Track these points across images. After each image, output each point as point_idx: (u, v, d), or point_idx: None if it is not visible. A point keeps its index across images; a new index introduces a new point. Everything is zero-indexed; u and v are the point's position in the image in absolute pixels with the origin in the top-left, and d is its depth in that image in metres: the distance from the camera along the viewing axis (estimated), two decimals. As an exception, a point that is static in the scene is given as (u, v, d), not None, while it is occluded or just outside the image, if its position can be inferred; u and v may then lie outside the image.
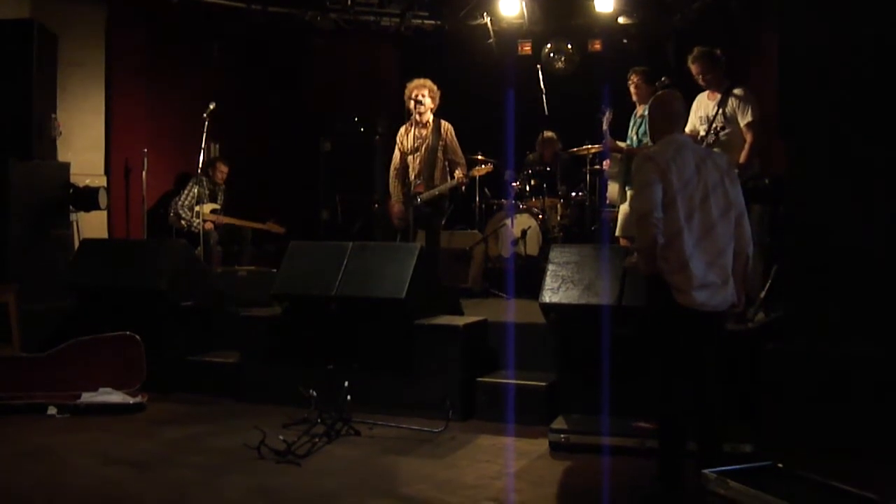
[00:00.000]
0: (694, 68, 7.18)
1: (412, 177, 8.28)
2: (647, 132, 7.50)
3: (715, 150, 6.75)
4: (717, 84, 7.13)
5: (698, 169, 4.71)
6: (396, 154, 8.49)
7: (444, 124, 8.32)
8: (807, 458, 4.87)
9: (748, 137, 6.92)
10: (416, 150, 8.30)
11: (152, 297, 7.45)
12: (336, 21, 11.47)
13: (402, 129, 8.46)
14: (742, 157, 6.87)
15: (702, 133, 7.03)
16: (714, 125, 6.99)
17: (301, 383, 6.33)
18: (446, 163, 8.35)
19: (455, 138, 8.36)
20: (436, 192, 8.24)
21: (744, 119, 6.93)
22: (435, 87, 8.29)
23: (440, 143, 8.27)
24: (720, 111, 7.00)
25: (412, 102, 8.23)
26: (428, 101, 8.25)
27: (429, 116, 8.30)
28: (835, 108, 5.85)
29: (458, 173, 8.28)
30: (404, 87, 8.44)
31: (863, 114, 5.78)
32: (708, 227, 4.68)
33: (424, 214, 8.27)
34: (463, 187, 8.61)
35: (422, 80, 8.30)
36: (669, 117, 4.94)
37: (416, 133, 8.32)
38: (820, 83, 5.91)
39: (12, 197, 7.99)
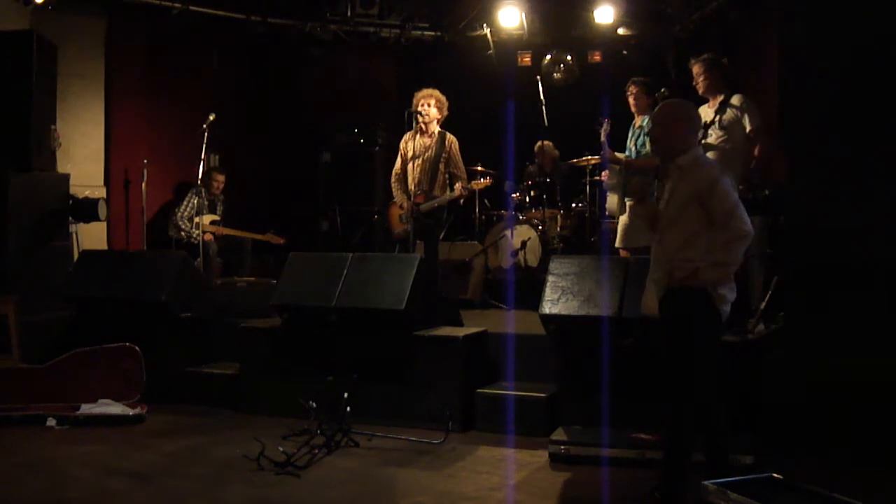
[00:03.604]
0: (695, 69, 7.17)
1: (411, 186, 8.27)
2: (646, 143, 7.52)
3: (709, 154, 6.77)
4: (714, 91, 7.12)
5: None
6: (398, 161, 8.49)
7: (449, 137, 8.31)
8: (808, 469, 4.88)
9: (756, 145, 6.91)
10: (416, 157, 8.28)
11: (152, 308, 7.45)
12: (336, 32, 11.50)
13: (407, 136, 8.44)
14: (752, 164, 6.89)
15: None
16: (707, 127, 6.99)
17: (301, 394, 6.32)
18: (447, 175, 8.35)
19: (458, 152, 8.36)
20: (435, 203, 8.23)
21: (749, 126, 6.91)
22: (443, 98, 8.28)
23: (443, 154, 8.26)
24: (717, 117, 7.00)
25: (418, 112, 8.22)
26: (434, 112, 8.23)
27: (434, 127, 8.29)
28: (836, 116, 5.84)
29: (458, 186, 8.27)
30: (404, 98, 8.43)
31: (865, 123, 5.78)
32: None
33: (424, 225, 8.26)
34: (462, 200, 8.61)
35: (430, 90, 8.29)
36: (693, 129, 4.90)
37: (420, 142, 8.30)
38: (820, 92, 5.91)
39: (11, 208, 7.98)
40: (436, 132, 8.30)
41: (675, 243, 4.75)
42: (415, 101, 8.29)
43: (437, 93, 8.29)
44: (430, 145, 8.28)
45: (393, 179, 8.51)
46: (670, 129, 4.87)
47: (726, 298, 4.66)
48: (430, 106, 8.23)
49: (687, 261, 4.66)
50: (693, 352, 4.67)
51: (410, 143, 8.37)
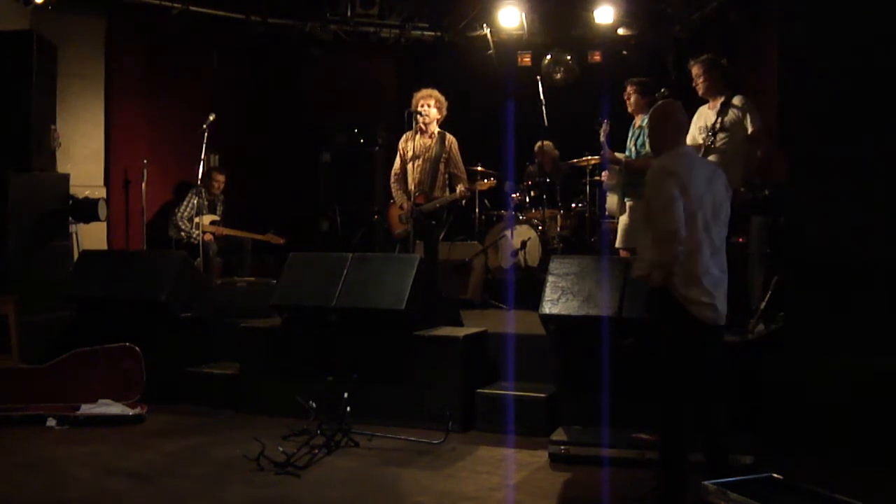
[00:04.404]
0: (695, 70, 7.17)
1: (411, 186, 8.27)
2: (646, 143, 7.51)
3: (710, 157, 6.77)
4: (714, 91, 7.11)
5: (709, 184, 4.69)
6: (397, 161, 8.49)
7: (449, 137, 8.31)
8: (808, 469, 4.88)
9: (756, 147, 6.90)
10: (416, 157, 8.28)
11: (152, 308, 7.45)
12: (336, 32, 11.50)
13: (406, 136, 8.44)
14: (753, 165, 6.88)
15: (700, 141, 7.02)
16: (714, 131, 6.99)
17: (300, 394, 6.33)
18: (447, 176, 8.35)
19: (458, 152, 8.36)
20: (436, 203, 8.23)
21: (751, 127, 6.89)
22: (442, 98, 8.29)
23: (443, 155, 8.26)
24: (719, 119, 6.99)
25: (417, 112, 8.21)
26: (433, 112, 8.24)
27: (434, 127, 8.29)
28: (836, 116, 5.84)
29: (460, 187, 8.27)
30: (404, 98, 8.43)
31: (864, 123, 5.78)
32: (719, 244, 4.71)
33: (424, 225, 8.26)
34: (464, 201, 8.60)
35: (429, 90, 8.30)
36: (676, 128, 4.90)
37: (420, 142, 8.30)
38: (820, 92, 5.91)
39: (11, 208, 7.99)
40: (435, 132, 8.30)
41: (643, 242, 4.79)
42: (414, 101, 8.29)
43: (436, 93, 8.30)
44: (430, 145, 8.28)
45: (392, 180, 8.51)
46: (655, 129, 4.98)
47: (695, 300, 4.59)
48: (429, 106, 8.23)
49: (646, 262, 4.69)
50: (670, 352, 4.69)
51: (410, 144, 8.37)
